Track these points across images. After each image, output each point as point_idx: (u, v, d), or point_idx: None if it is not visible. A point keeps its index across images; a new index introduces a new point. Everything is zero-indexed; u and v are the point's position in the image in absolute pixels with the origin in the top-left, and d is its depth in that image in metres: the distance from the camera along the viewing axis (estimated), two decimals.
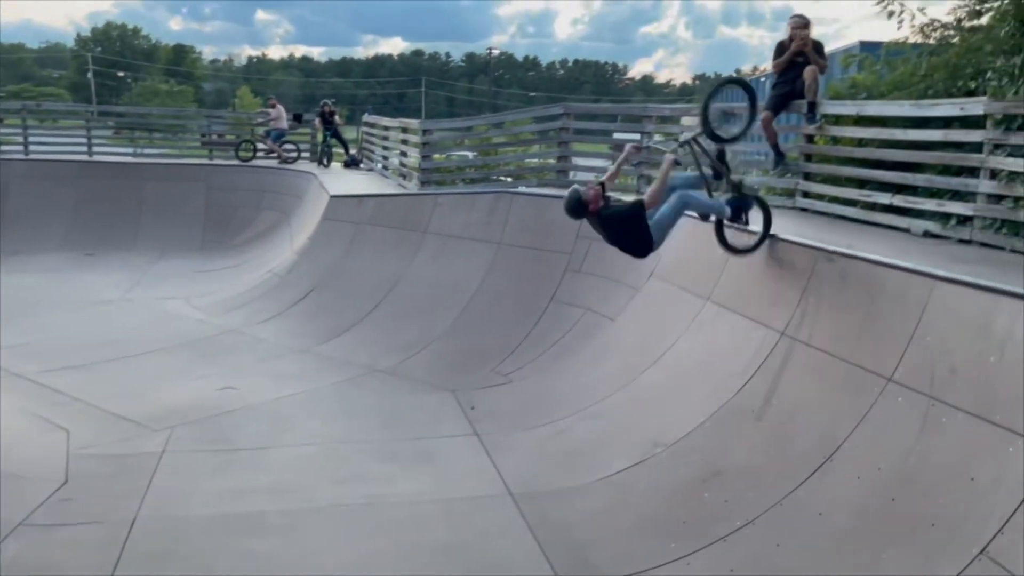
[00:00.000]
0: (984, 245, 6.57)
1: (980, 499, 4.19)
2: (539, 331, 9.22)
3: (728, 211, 6.58)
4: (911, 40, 8.88)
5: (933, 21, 8.52)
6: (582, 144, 12.26)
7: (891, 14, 8.40)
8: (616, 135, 17.06)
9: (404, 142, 15.19)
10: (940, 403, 4.72)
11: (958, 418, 4.57)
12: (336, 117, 19.82)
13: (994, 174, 6.50)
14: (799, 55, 8.84)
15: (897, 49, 9.39)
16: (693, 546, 5.11)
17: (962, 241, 6.77)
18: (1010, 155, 6.38)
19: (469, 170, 14.30)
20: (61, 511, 5.58)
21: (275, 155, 19.23)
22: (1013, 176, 6.31)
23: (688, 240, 8.08)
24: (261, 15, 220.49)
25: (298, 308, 11.19)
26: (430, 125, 14.05)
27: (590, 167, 12.27)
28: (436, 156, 13.76)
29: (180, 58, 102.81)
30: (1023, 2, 6.97)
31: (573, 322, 8.99)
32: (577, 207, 6.16)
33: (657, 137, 6.58)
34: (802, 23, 8.93)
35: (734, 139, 6.72)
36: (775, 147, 8.98)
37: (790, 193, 9.16)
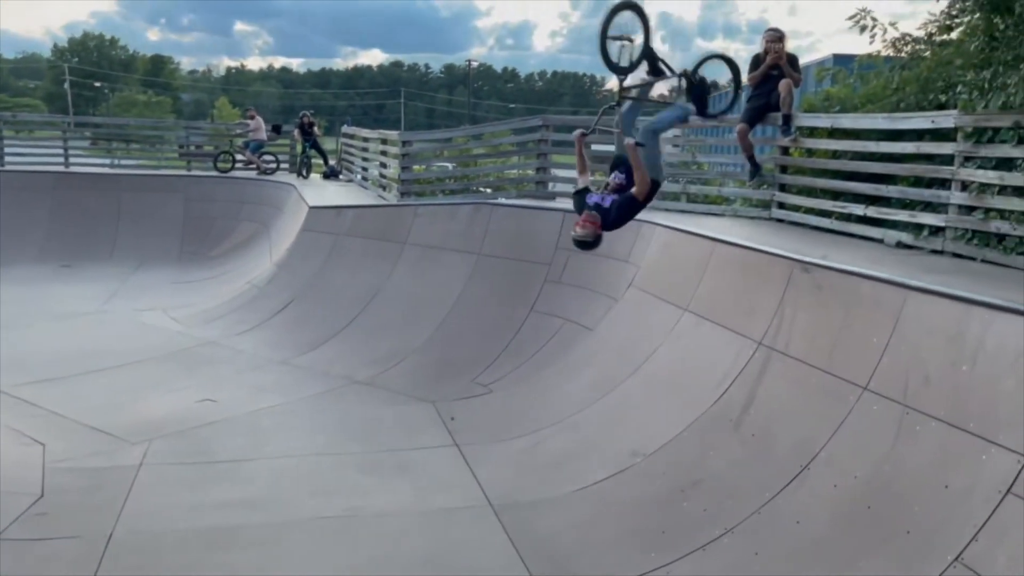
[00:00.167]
0: (956, 255, 6.68)
1: (955, 506, 4.24)
2: (518, 342, 9.24)
3: (692, 107, 6.48)
4: (883, 54, 9.03)
5: (905, 35, 8.68)
6: (561, 155, 12.31)
7: (863, 28, 8.54)
8: (594, 147, 17.17)
9: (384, 153, 15.18)
10: (914, 411, 4.79)
11: (932, 426, 4.64)
12: (315, 128, 19.77)
13: (965, 186, 6.62)
14: (774, 68, 8.97)
15: (870, 63, 9.55)
16: (673, 555, 5.13)
17: (934, 251, 6.88)
18: (980, 167, 6.51)
19: (449, 181, 14.33)
20: (37, 525, 5.51)
21: (254, 166, 19.16)
22: (983, 188, 6.44)
23: (666, 251, 8.16)
24: (240, 26, 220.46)
25: (277, 319, 11.14)
26: (410, 136, 14.05)
27: (569, 178, 12.31)
28: (416, 167, 13.77)
29: (158, 69, 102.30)
30: (992, 17, 7.11)
31: (552, 332, 9.01)
32: (596, 243, 6.14)
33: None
34: (777, 37, 9.06)
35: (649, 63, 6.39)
36: (751, 159, 9.09)
37: (766, 204, 9.28)
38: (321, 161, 19.95)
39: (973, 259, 6.49)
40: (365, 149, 17.20)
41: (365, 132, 17.97)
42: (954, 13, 8.12)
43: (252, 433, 7.54)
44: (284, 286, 11.84)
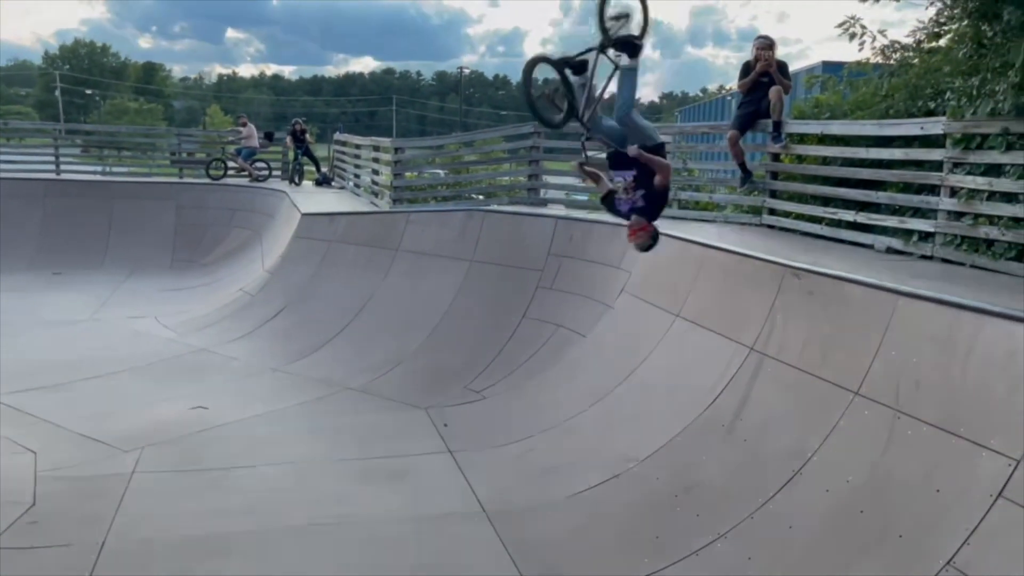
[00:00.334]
0: (945, 261, 6.73)
1: (946, 510, 4.27)
2: (511, 348, 9.25)
3: (628, 59, 5.98)
4: (872, 61, 9.08)
5: (893, 43, 8.71)
6: (553, 162, 12.34)
7: (852, 36, 8.58)
8: (591, 153, 17.19)
9: (376, 160, 15.20)
10: (906, 416, 4.82)
11: (923, 431, 4.67)
12: (307, 135, 19.78)
13: (954, 192, 6.67)
14: (764, 75, 9.03)
15: (859, 70, 9.60)
16: (666, 560, 5.15)
17: (924, 257, 6.93)
18: (969, 173, 6.56)
19: (441, 188, 14.33)
20: (28, 534, 5.49)
21: (246, 173, 19.14)
22: (972, 194, 6.49)
23: (658, 257, 8.18)
24: (231, 33, 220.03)
25: (270, 327, 11.12)
26: (402, 143, 14.07)
27: (561, 185, 12.37)
28: (408, 174, 13.78)
29: (149, 76, 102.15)
30: (980, 25, 7.15)
31: (545, 338, 9.03)
32: (655, 240, 6.13)
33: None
34: (767, 44, 9.12)
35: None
36: (742, 165, 9.14)
37: (757, 211, 9.32)
38: (313, 168, 19.95)
39: (962, 264, 6.54)
40: (357, 156, 17.20)
41: (357, 139, 17.99)
42: (942, 21, 8.17)
43: (244, 441, 7.52)
44: (276, 293, 11.84)
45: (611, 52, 5.89)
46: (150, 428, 7.61)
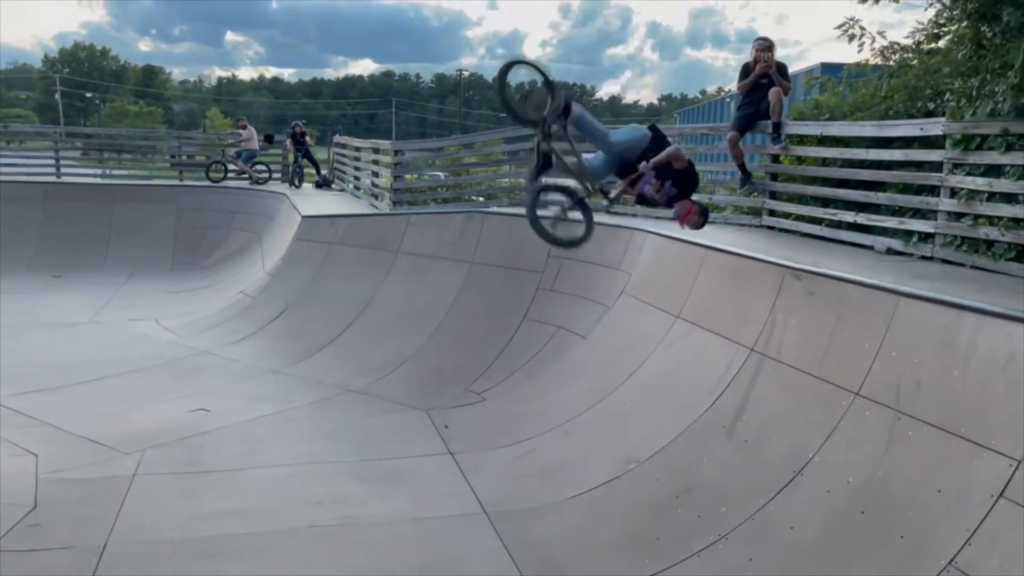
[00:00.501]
0: (945, 262, 6.74)
1: (947, 511, 4.27)
2: (512, 349, 9.25)
3: (562, 120, 5.90)
4: (871, 63, 9.10)
5: (893, 44, 8.73)
6: None
7: (852, 37, 8.60)
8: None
9: (376, 162, 15.22)
10: (906, 417, 4.82)
11: (924, 431, 4.67)
12: (307, 138, 19.81)
13: (954, 192, 6.68)
14: (764, 77, 9.04)
15: (858, 71, 9.61)
16: (667, 562, 5.15)
17: (924, 258, 6.94)
18: (969, 174, 6.57)
19: (441, 190, 14.36)
20: (30, 537, 5.48)
21: (246, 176, 19.17)
22: (972, 194, 6.50)
23: (658, 258, 8.19)
24: (231, 36, 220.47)
25: (270, 329, 11.13)
26: (402, 146, 14.10)
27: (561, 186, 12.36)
28: (408, 176, 13.79)
29: (149, 79, 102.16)
30: (979, 26, 7.17)
31: (545, 340, 9.03)
32: (705, 217, 6.28)
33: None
34: (766, 46, 9.13)
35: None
36: (742, 167, 9.15)
37: (757, 212, 9.33)
38: (313, 171, 19.97)
39: (963, 265, 6.55)
40: (357, 158, 17.23)
41: (357, 141, 18.01)
42: (941, 22, 8.18)
43: (246, 442, 7.53)
44: (277, 295, 11.85)
45: (554, 128, 5.86)
46: (151, 430, 7.61)
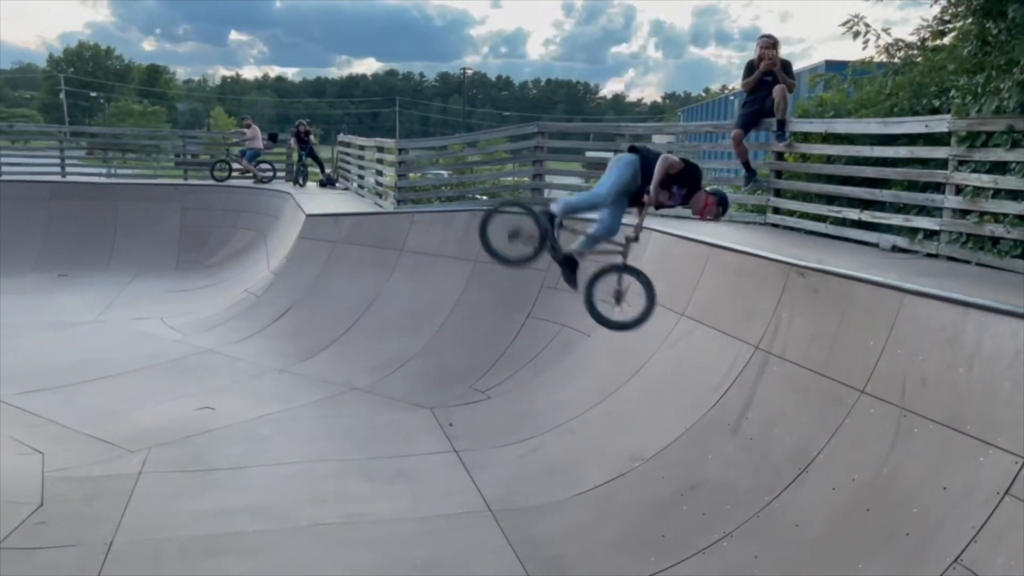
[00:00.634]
0: (951, 259, 6.71)
1: (953, 508, 4.26)
2: (516, 347, 9.26)
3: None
4: (876, 60, 9.08)
5: (897, 41, 8.71)
6: (556, 162, 12.34)
7: (856, 34, 8.58)
8: (589, 153, 17.21)
9: (380, 161, 15.22)
10: (912, 414, 4.81)
11: (930, 428, 4.66)
12: (311, 136, 19.82)
13: (959, 190, 6.66)
14: (768, 74, 9.03)
15: (863, 68, 9.60)
16: (672, 559, 5.15)
17: (929, 255, 6.92)
18: (974, 171, 6.55)
19: (445, 188, 14.37)
20: (37, 534, 5.50)
21: (250, 175, 19.18)
22: (978, 191, 6.48)
23: (662, 256, 8.18)
24: (235, 36, 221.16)
25: (275, 327, 11.15)
26: (406, 144, 14.10)
27: (564, 185, 12.37)
28: (411, 175, 13.80)
29: (153, 78, 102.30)
30: (985, 22, 7.15)
31: (550, 338, 9.03)
32: (725, 204, 6.21)
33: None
34: (771, 43, 9.12)
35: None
36: (746, 164, 9.14)
37: (761, 210, 9.31)
38: (317, 169, 19.99)
39: (968, 262, 6.53)
40: (361, 157, 17.23)
41: (361, 140, 18.02)
42: (946, 19, 8.16)
43: (251, 441, 7.54)
44: (282, 294, 11.87)
45: (557, 236, 6.09)
46: (157, 428, 7.63)
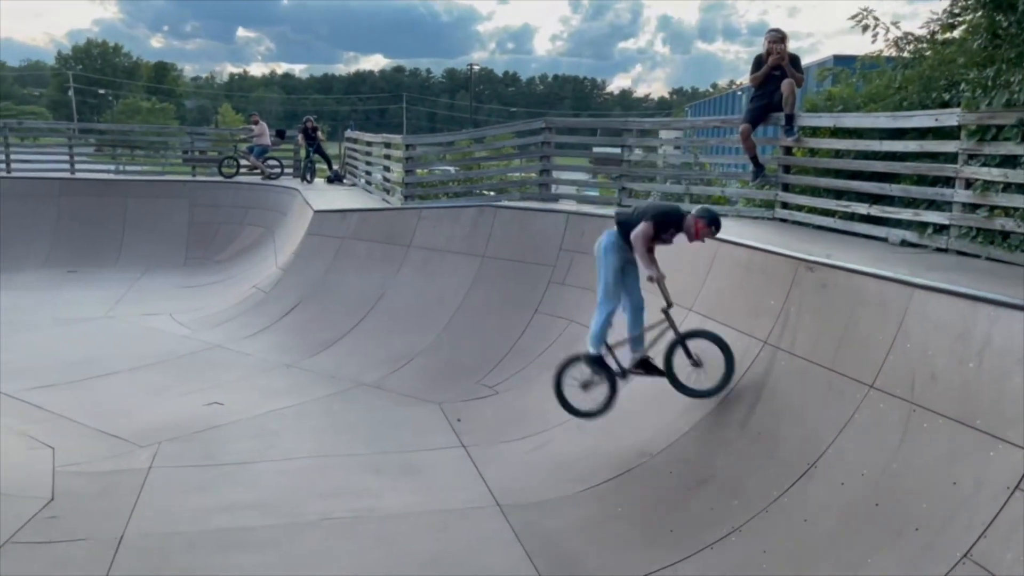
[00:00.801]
0: (960, 253, 6.67)
1: (962, 503, 4.25)
2: (524, 343, 9.26)
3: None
4: (885, 53, 9.04)
5: (907, 35, 8.68)
6: (563, 158, 12.33)
7: (865, 28, 8.55)
8: (596, 149, 17.17)
9: (387, 157, 15.24)
10: (921, 409, 4.79)
11: (939, 423, 4.64)
12: (318, 133, 19.82)
13: (969, 184, 6.61)
14: (776, 69, 8.98)
15: (872, 62, 9.55)
16: (680, 554, 5.15)
17: (939, 250, 6.88)
18: (984, 165, 6.51)
19: (452, 184, 14.37)
20: (48, 529, 5.54)
21: (258, 171, 19.22)
22: (988, 185, 6.43)
23: (670, 251, 8.15)
24: (242, 33, 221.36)
25: (283, 323, 11.18)
26: (413, 140, 14.10)
27: (571, 180, 12.35)
28: (419, 171, 13.81)
29: (161, 75, 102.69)
30: (995, 15, 7.11)
31: (557, 333, 9.03)
32: (716, 223, 6.37)
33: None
34: (779, 37, 9.07)
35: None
36: (754, 159, 9.09)
37: (770, 204, 9.28)
38: (325, 166, 20.00)
39: (978, 257, 6.49)
40: (368, 153, 17.25)
41: (368, 136, 18.04)
42: (956, 12, 8.13)
43: (260, 436, 7.57)
44: (290, 290, 11.90)
45: (624, 369, 6.66)
46: (166, 424, 7.67)
